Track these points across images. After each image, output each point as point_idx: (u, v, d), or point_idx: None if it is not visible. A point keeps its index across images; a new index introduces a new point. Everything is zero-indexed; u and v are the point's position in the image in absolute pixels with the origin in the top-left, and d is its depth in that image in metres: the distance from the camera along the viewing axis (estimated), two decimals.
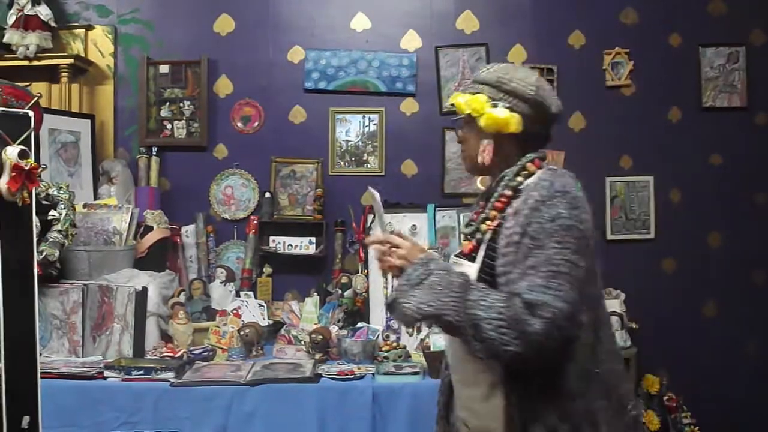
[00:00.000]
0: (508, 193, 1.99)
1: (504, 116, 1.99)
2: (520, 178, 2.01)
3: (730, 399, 4.34)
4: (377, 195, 2.09)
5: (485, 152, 2.05)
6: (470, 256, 2.02)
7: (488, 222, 1.99)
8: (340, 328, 3.71)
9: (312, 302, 3.90)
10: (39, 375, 2.01)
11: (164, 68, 4.37)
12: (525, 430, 1.85)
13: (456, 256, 2.11)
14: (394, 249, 1.96)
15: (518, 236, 1.84)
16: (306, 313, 3.87)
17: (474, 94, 2.05)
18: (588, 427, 1.85)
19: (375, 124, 4.36)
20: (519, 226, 1.85)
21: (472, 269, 1.97)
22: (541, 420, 1.84)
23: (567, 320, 1.74)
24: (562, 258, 1.80)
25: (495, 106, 2.00)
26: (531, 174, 2.02)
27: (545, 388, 1.84)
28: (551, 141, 2.21)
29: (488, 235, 1.97)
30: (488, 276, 1.90)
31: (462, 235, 2.19)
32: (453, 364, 2.11)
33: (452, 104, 2.13)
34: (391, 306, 1.89)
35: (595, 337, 1.89)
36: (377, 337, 3.64)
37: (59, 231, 3.34)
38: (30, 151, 1.94)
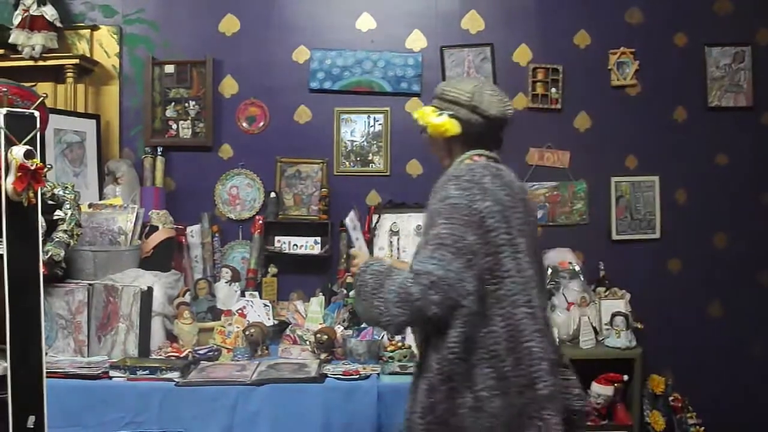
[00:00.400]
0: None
1: (442, 122, 2.35)
2: None
3: (735, 399, 4.33)
4: (352, 217, 2.56)
5: (441, 155, 2.45)
6: None
7: None
8: (345, 328, 3.71)
9: (317, 302, 3.90)
10: (44, 375, 2.01)
11: (169, 68, 4.37)
12: (418, 382, 2.16)
13: None
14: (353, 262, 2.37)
15: (426, 218, 2.19)
16: (311, 313, 3.87)
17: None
18: (466, 390, 2.06)
19: (380, 124, 4.36)
20: (427, 211, 2.19)
21: None
22: (427, 376, 2.11)
23: (451, 287, 1.99)
24: (448, 232, 2.05)
25: (440, 115, 2.37)
26: None
27: (436, 348, 2.09)
28: (502, 142, 2.44)
29: None
30: None
31: None
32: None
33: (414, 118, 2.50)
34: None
35: (483, 307, 2.08)
36: (382, 337, 3.63)
37: (65, 231, 3.34)
38: (36, 151, 1.95)
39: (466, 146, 2.36)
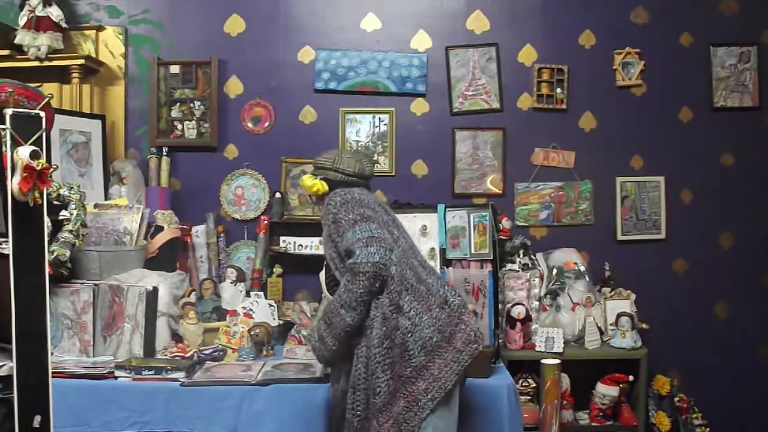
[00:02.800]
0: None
1: (311, 184, 3.08)
2: None
3: (741, 400, 4.33)
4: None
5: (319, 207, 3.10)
6: None
7: None
8: None
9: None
10: (50, 374, 2.01)
11: (175, 69, 4.38)
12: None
13: None
14: None
15: (327, 238, 2.83)
16: (318, 312, 3.88)
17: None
18: (401, 317, 2.62)
19: (385, 124, 4.36)
20: (325, 231, 2.86)
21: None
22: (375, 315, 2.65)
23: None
24: (355, 235, 2.68)
25: (314, 179, 3.09)
26: None
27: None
28: (371, 180, 3.15)
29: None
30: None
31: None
32: None
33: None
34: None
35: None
36: None
37: (70, 231, 3.35)
38: (41, 151, 1.95)
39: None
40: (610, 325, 3.99)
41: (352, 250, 2.63)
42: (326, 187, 3.03)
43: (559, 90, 4.35)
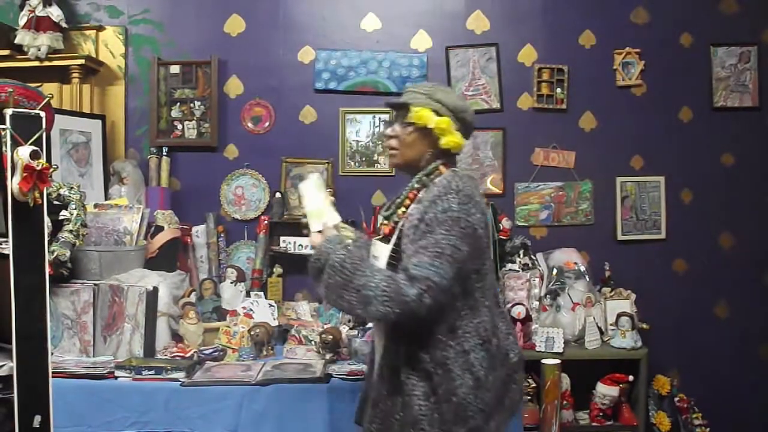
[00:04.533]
0: (418, 186, 2.45)
1: (447, 126, 2.45)
2: (431, 177, 2.46)
3: (741, 400, 4.33)
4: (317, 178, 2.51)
5: (409, 156, 2.50)
6: (387, 238, 2.44)
7: (402, 209, 2.44)
8: (350, 329, 3.71)
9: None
10: (50, 374, 2.01)
11: (175, 69, 4.38)
12: (398, 372, 2.32)
13: (376, 239, 2.53)
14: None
15: (417, 221, 2.27)
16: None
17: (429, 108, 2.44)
18: (465, 372, 2.27)
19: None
20: (418, 213, 2.28)
21: (386, 249, 2.41)
22: (420, 365, 2.29)
23: (442, 292, 2.18)
24: (447, 243, 2.20)
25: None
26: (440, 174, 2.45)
27: (419, 339, 2.29)
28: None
29: (401, 221, 2.39)
30: (397, 254, 2.32)
31: (381, 218, 2.57)
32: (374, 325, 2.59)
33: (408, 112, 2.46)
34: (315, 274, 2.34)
35: (471, 301, 2.33)
36: None
37: (70, 231, 3.35)
38: (41, 151, 1.95)
39: (438, 154, 2.49)
40: (610, 325, 3.99)
41: (433, 254, 2.19)
42: (436, 122, 2.42)
43: (559, 90, 4.35)
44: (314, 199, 2.40)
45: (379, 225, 2.59)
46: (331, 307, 2.51)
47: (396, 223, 2.43)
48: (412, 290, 2.13)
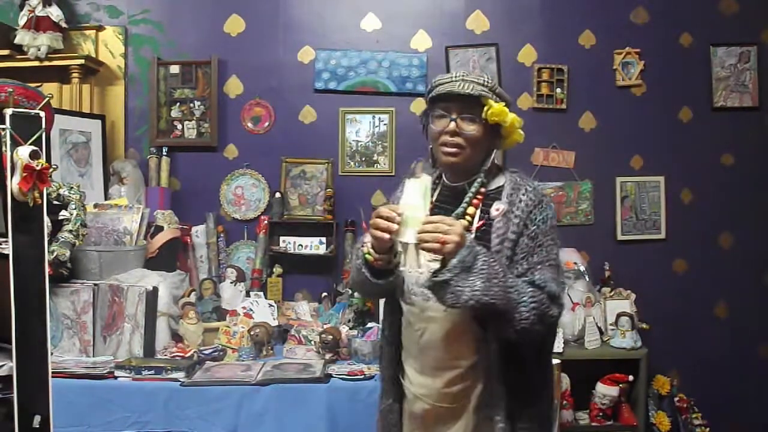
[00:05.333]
0: (483, 190, 2.21)
1: (519, 123, 2.23)
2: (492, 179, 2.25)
3: (741, 400, 4.33)
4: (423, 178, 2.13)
5: (469, 155, 2.21)
6: None
7: (467, 217, 2.17)
8: (350, 328, 3.71)
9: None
10: (50, 374, 2.01)
11: (175, 69, 4.38)
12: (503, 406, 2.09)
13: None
14: (445, 229, 1.96)
15: (515, 235, 2.08)
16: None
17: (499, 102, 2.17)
18: (548, 409, 2.25)
19: (385, 124, 4.36)
20: (515, 226, 2.09)
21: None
22: (532, 383, 2.15)
23: (563, 307, 2.09)
24: (556, 253, 2.11)
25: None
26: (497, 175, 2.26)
27: (531, 358, 2.13)
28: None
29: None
30: None
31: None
32: (423, 352, 2.21)
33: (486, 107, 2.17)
34: (441, 286, 1.95)
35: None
36: None
37: (70, 231, 3.35)
38: (41, 151, 1.95)
39: (489, 152, 2.26)
40: (610, 325, 4.00)
41: (552, 267, 2.10)
42: (511, 120, 2.21)
43: (559, 90, 4.35)
44: (415, 205, 2.06)
45: None
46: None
47: None
48: (554, 308, 2.04)
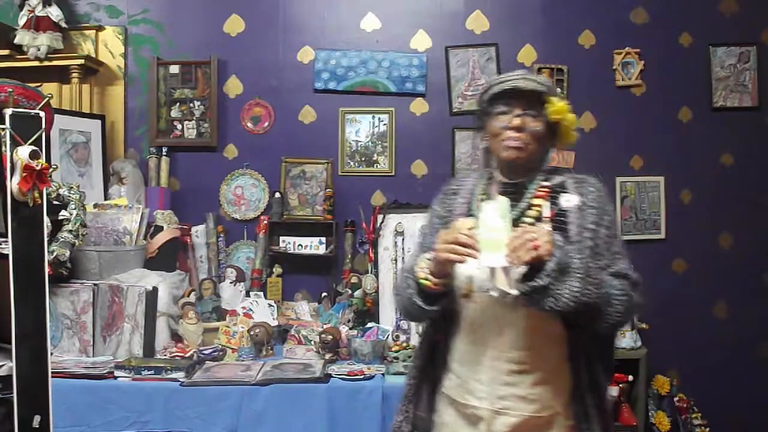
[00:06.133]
0: (545, 186, 2.19)
1: (564, 106, 2.19)
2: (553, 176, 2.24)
3: (741, 400, 4.32)
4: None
5: (529, 151, 2.19)
6: None
7: (535, 209, 2.15)
8: (350, 329, 3.71)
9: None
10: (50, 374, 2.01)
11: (174, 69, 4.37)
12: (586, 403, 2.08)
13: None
14: (534, 237, 1.92)
15: (594, 225, 2.09)
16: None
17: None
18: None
19: (385, 124, 4.36)
20: (591, 216, 2.11)
21: None
22: (600, 381, 2.12)
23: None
24: (623, 243, 2.19)
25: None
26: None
27: (599, 357, 2.13)
28: None
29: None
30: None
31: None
32: (498, 357, 2.10)
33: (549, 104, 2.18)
34: (538, 292, 1.92)
35: None
36: (387, 337, 3.64)
37: (70, 231, 3.35)
38: (41, 151, 1.95)
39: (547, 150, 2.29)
40: None
41: (627, 258, 2.21)
42: (571, 119, 2.24)
43: (558, 90, 4.34)
44: (497, 227, 2.00)
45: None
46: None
47: (530, 225, 2.11)
48: (636, 296, 2.11)
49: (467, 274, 2.08)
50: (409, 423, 2.27)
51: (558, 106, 2.16)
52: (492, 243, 1.97)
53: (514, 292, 1.97)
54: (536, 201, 2.16)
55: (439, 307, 2.13)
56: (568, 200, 2.14)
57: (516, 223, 2.09)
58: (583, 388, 2.09)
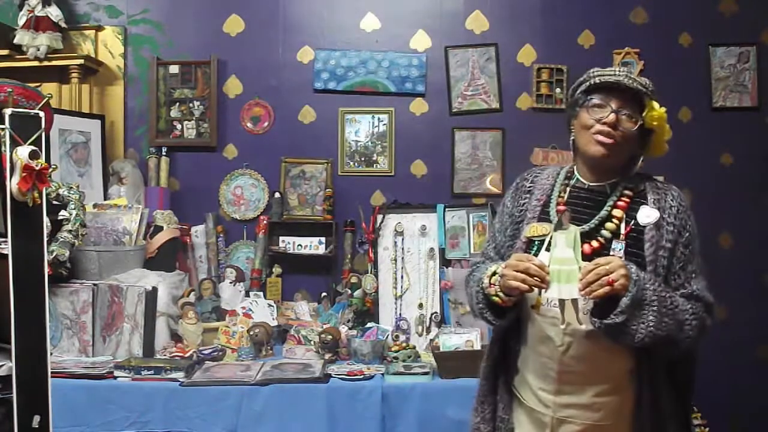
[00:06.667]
0: (630, 194, 2.13)
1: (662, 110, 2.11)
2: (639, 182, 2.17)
3: (740, 400, 4.32)
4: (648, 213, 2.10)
5: (619, 158, 2.14)
6: (589, 257, 2.01)
7: (614, 221, 2.08)
8: (349, 329, 3.71)
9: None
10: (49, 374, 2.01)
11: (174, 69, 4.37)
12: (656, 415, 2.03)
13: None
14: (608, 270, 1.89)
15: (671, 244, 2.04)
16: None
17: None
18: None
19: (384, 124, 4.35)
20: (669, 234, 2.05)
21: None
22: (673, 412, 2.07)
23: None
24: (701, 260, 2.13)
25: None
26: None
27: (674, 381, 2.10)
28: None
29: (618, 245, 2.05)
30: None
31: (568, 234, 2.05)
32: (567, 368, 2.07)
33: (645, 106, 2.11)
34: (614, 327, 1.90)
35: None
36: (387, 338, 3.64)
37: (69, 231, 3.35)
38: (40, 151, 1.95)
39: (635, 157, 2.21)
40: None
41: (704, 276, 2.19)
42: (667, 129, 2.18)
43: (558, 90, 4.35)
44: (567, 258, 1.98)
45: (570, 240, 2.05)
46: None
47: (606, 239, 2.08)
48: (709, 318, 2.06)
49: None
50: (487, 424, 2.25)
51: (658, 113, 2.09)
52: (565, 275, 1.96)
53: (584, 327, 1.97)
54: (616, 212, 2.09)
55: (507, 321, 2.14)
56: (648, 216, 2.07)
57: (592, 234, 2.07)
58: (644, 405, 2.03)
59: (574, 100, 2.21)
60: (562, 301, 1.99)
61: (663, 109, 2.10)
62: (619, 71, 2.10)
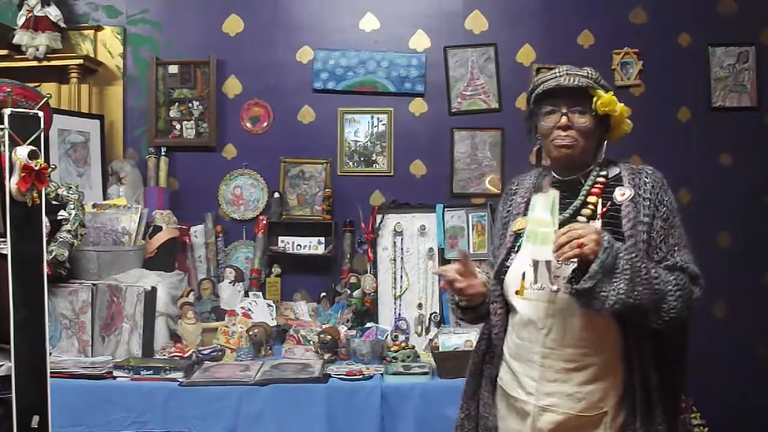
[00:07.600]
0: (601, 181, 2.20)
1: (626, 111, 2.22)
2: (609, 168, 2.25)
3: (739, 400, 4.32)
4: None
5: (584, 147, 2.20)
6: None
7: (590, 206, 2.14)
8: (348, 329, 3.71)
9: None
10: (48, 374, 2.01)
11: (173, 68, 4.37)
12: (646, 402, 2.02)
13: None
14: (580, 234, 1.91)
15: (648, 218, 2.10)
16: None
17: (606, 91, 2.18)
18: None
19: (384, 124, 4.35)
20: (646, 209, 2.12)
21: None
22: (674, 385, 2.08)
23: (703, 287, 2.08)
24: (684, 233, 2.16)
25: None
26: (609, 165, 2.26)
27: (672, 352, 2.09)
28: None
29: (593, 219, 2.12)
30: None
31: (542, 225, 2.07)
32: (549, 353, 2.09)
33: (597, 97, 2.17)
34: (584, 293, 1.93)
35: None
36: (386, 338, 3.64)
37: (69, 231, 3.35)
38: (40, 151, 1.95)
39: (598, 144, 2.26)
40: None
41: (687, 248, 2.17)
42: (621, 109, 2.21)
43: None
44: (544, 220, 2.01)
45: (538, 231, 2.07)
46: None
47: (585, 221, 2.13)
48: (696, 289, 2.06)
49: (520, 270, 2.11)
50: (471, 420, 2.31)
51: (605, 99, 2.14)
52: (539, 236, 2.00)
53: (555, 287, 2.01)
54: (591, 198, 2.16)
55: (478, 314, 2.32)
56: (623, 194, 2.15)
57: (571, 221, 2.09)
58: (635, 388, 2.03)
59: (529, 112, 2.31)
60: (535, 262, 2.03)
61: (610, 94, 2.15)
62: (560, 72, 2.19)
